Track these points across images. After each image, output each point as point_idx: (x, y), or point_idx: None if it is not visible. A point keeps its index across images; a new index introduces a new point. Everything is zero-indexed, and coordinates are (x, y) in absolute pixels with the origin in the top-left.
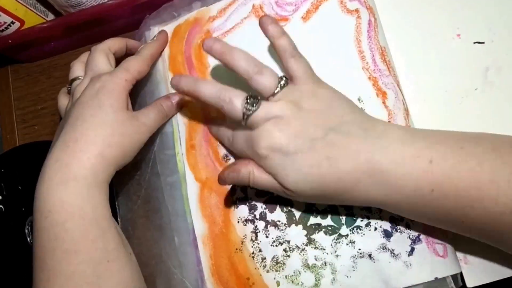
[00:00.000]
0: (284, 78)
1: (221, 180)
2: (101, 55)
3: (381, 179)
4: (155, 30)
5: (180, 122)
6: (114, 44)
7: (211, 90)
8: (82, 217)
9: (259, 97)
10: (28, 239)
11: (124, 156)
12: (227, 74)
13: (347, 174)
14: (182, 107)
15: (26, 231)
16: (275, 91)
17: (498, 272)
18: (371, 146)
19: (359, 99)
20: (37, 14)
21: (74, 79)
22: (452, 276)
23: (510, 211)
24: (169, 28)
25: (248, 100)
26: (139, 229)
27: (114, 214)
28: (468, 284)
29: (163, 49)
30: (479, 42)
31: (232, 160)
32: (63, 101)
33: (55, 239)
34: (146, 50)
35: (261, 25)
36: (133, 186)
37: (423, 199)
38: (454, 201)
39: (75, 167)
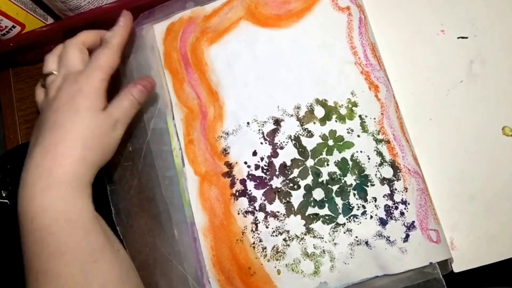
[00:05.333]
0: None
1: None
2: (74, 50)
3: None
4: (147, 28)
5: (176, 118)
6: (87, 37)
7: None
8: (67, 221)
9: None
10: None
11: (104, 155)
12: (227, 71)
13: None
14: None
15: None
16: None
17: (484, 258)
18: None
19: (352, 93)
20: (37, 18)
21: (47, 74)
22: (443, 261)
23: None
24: (163, 25)
25: None
26: (132, 217)
27: (107, 203)
28: (455, 269)
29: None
30: (462, 37)
31: (230, 153)
32: (39, 95)
33: (40, 242)
34: (114, 39)
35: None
36: (125, 176)
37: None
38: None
39: (57, 173)
